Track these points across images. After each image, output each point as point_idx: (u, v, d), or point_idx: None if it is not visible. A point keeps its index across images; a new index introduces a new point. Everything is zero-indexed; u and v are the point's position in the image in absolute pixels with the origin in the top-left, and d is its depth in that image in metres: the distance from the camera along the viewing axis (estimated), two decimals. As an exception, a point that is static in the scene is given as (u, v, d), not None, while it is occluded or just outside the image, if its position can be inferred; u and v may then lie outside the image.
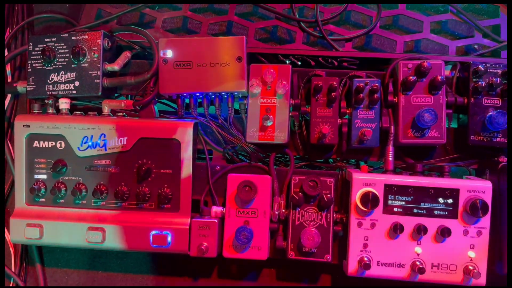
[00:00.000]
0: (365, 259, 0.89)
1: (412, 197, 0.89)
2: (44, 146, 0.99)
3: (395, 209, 0.90)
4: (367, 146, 0.96)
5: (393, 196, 0.90)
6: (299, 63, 1.06)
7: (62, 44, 1.00)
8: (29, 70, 1.01)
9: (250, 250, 0.95)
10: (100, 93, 0.98)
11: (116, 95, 1.07)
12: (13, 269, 1.09)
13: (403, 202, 0.90)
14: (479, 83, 0.93)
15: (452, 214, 0.89)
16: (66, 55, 0.99)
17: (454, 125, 1.01)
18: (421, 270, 0.87)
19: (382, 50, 1.08)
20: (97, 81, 0.98)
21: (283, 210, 0.95)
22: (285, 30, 1.11)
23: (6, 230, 1.07)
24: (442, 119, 0.92)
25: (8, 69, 1.13)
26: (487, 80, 0.93)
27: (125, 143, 0.97)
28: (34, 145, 0.99)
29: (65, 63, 1.00)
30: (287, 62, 1.06)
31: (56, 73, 1.00)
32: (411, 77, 0.92)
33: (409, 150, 1.00)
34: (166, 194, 0.96)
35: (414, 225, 0.89)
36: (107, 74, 1.01)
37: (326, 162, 1.06)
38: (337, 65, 1.04)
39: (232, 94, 0.99)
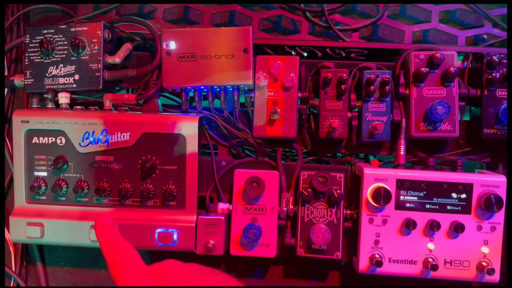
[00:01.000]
0: (377, 256, 0.87)
1: (424, 192, 0.87)
2: (43, 142, 0.95)
3: (407, 205, 0.88)
4: (378, 140, 0.94)
5: (405, 192, 0.87)
6: (305, 54, 1.03)
7: (61, 35, 0.96)
8: (26, 63, 0.97)
9: (258, 247, 0.92)
10: (101, 87, 0.95)
11: (117, 88, 1.03)
12: (13, 269, 1.06)
13: (416, 198, 0.87)
14: (493, 74, 0.90)
15: (466, 209, 0.87)
16: (65, 47, 0.95)
17: (466, 117, 0.99)
18: (434, 267, 0.85)
19: (389, 41, 1.05)
20: (98, 74, 0.95)
21: (292, 207, 0.92)
22: (290, 20, 1.07)
23: (5, 229, 1.04)
24: (455, 111, 0.90)
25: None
26: (501, 71, 0.90)
27: (128, 138, 0.94)
28: (34, 141, 0.95)
29: (64, 55, 0.96)
30: (293, 53, 1.03)
31: (55, 66, 0.96)
32: (423, 69, 0.89)
33: (419, 143, 0.97)
34: (171, 191, 0.93)
35: (426, 221, 0.87)
36: (108, 67, 0.97)
37: (334, 157, 1.04)
38: (345, 56, 1.01)
39: (238, 87, 0.96)
